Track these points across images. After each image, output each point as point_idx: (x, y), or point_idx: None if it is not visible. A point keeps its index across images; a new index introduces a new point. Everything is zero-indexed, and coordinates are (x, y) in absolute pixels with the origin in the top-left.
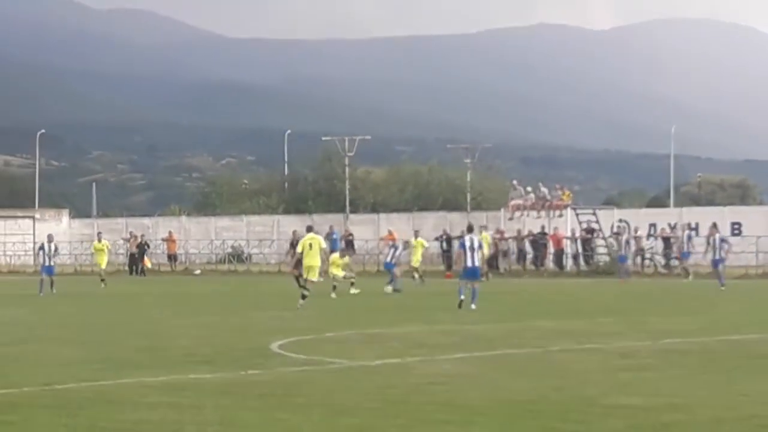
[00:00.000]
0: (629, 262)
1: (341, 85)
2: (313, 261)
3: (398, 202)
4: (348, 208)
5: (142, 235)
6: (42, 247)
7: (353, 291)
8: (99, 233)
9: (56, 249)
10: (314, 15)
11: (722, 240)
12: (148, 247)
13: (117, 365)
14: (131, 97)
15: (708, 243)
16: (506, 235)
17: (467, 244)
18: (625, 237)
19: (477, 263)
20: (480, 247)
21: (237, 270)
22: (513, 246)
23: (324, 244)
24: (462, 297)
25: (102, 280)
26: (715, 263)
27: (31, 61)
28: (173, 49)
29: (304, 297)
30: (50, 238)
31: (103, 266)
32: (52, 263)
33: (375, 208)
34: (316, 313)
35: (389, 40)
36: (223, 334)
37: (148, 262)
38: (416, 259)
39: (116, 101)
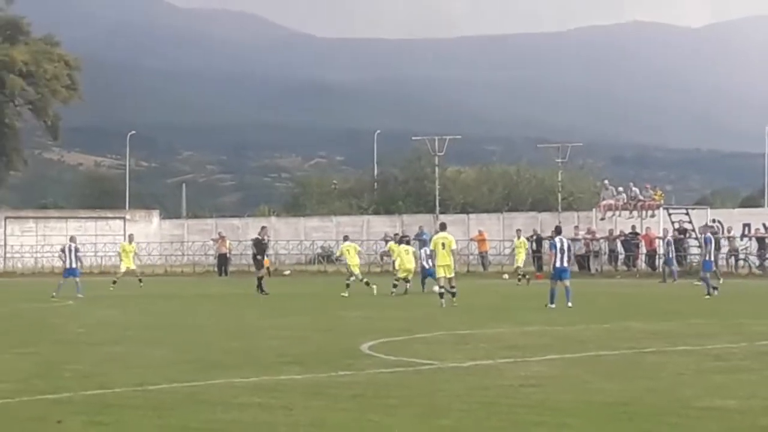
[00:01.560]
0: (715, 263)
1: (430, 85)
2: (446, 260)
3: (488, 202)
4: (438, 209)
5: (264, 231)
6: (64, 249)
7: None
8: (130, 235)
9: (77, 250)
10: (403, 14)
11: None
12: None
13: (207, 366)
14: (220, 98)
15: None
16: (598, 236)
17: (557, 245)
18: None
19: (566, 263)
20: (569, 248)
21: (326, 270)
22: (605, 246)
23: (455, 245)
24: (553, 301)
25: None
26: None
27: (120, 63)
28: (263, 48)
29: (442, 296)
30: (72, 239)
31: (132, 266)
32: (75, 265)
33: (465, 209)
34: (406, 314)
35: (478, 39)
36: (313, 334)
37: (267, 262)
38: (520, 259)
39: (205, 102)
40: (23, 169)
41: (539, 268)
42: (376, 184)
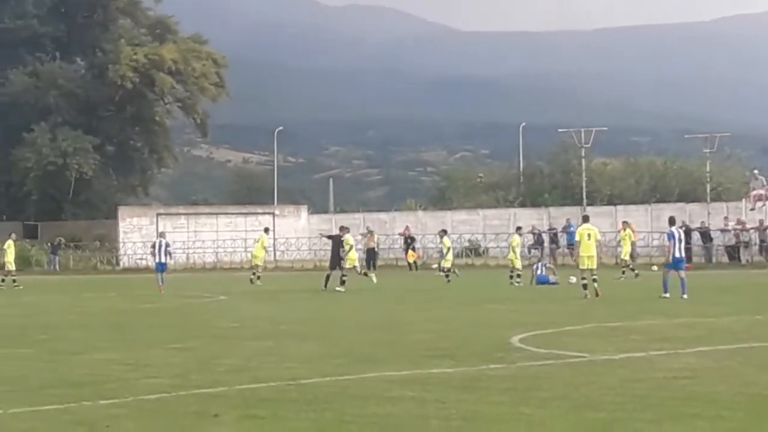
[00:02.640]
0: None
1: (574, 78)
2: (590, 251)
3: (635, 194)
4: (585, 201)
5: (407, 227)
6: (154, 245)
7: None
8: (266, 228)
9: (168, 245)
10: (544, 7)
11: None
12: (414, 240)
13: (358, 360)
14: (365, 93)
15: None
16: (748, 226)
17: (675, 235)
18: None
19: (683, 254)
20: (682, 239)
21: (474, 264)
22: (755, 237)
23: (600, 236)
24: (667, 291)
25: (258, 277)
26: None
27: (267, 60)
28: (407, 43)
29: (585, 287)
30: (162, 235)
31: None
32: (164, 260)
33: (611, 201)
34: (555, 307)
35: (617, 30)
36: (463, 327)
37: (411, 257)
38: (625, 252)
39: (351, 97)
40: (173, 165)
41: (689, 259)
42: (522, 177)
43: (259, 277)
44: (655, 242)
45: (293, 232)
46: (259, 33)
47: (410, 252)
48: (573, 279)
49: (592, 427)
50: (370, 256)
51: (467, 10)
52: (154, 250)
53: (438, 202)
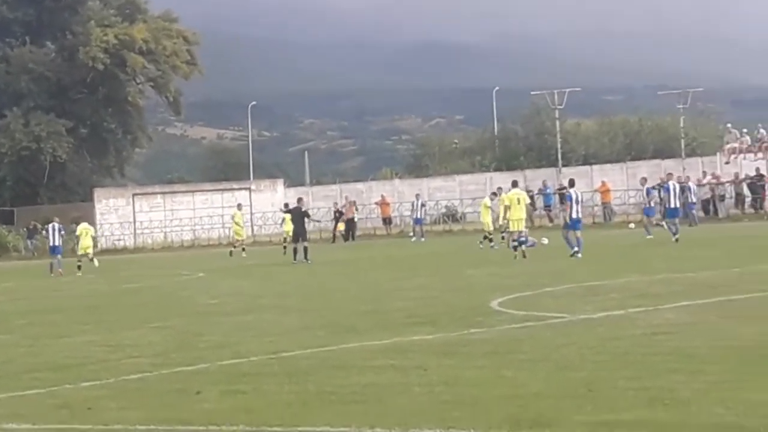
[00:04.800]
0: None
1: (546, 39)
2: (520, 214)
3: (610, 153)
4: (560, 162)
5: (335, 203)
6: (46, 228)
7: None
8: (239, 204)
9: (61, 229)
10: None
11: None
12: (342, 214)
13: (340, 330)
14: (337, 64)
15: None
16: (723, 180)
17: (573, 197)
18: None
19: (580, 215)
20: (579, 201)
21: (452, 230)
22: (731, 190)
23: (528, 200)
24: (573, 247)
25: (240, 249)
26: None
27: (236, 34)
28: (376, 11)
29: (515, 249)
30: (54, 220)
31: (243, 237)
32: (57, 243)
33: (587, 160)
34: (533, 269)
35: None
36: (443, 294)
37: (341, 227)
38: (487, 222)
39: (323, 69)
40: (148, 145)
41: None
42: (497, 141)
43: (243, 249)
44: (632, 200)
45: (270, 206)
46: (227, 8)
47: (339, 223)
48: (545, 240)
49: (574, 387)
50: (350, 226)
51: None
52: (47, 234)
53: (414, 169)
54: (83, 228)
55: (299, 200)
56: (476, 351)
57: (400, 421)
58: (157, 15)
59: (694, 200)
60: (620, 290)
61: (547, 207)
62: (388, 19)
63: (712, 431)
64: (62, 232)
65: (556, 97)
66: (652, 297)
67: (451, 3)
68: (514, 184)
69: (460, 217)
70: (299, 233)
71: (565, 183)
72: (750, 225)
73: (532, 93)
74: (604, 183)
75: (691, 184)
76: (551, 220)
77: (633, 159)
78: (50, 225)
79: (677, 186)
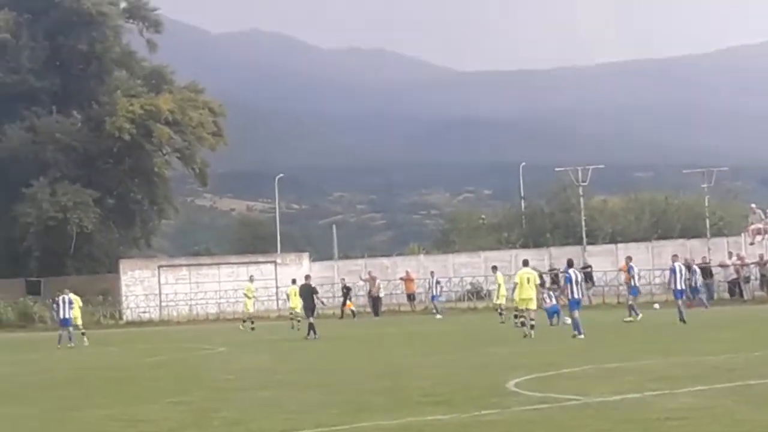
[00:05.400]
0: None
1: (576, 114)
2: (528, 293)
3: (636, 231)
4: (585, 240)
5: (343, 279)
6: (56, 301)
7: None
8: (251, 276)
9: (71, 302)
10: (542, 45)
11: None
12: (350, 290)
13: (356, 408)
14: (367, 138)
15: None
16: (747, 261)
17: (572, 277)
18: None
19: (580, 295)
20: (578, 281)
21: (476, 307)
22: (756, 272)
23: (539, 280)
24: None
25: (249, 323)
26: None
27: (266, 107)
28: (406, 86)
29: (523, 324)
30: (65, 292)
31: (250, 310)
32: (68, 316)
33: (613, 238)
34: (554, 348)
35: (620, 65)
36: (462, 372)
37: (351, 305)
38: (500, 296)
39: (353, 142)
40: (175, 216)
41: (693, 295)
42: (524, 217)
43: (252, 322)
44: (657, 279)
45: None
46: (259, 80)
47: (348, 302)
48: (568, 320)
49: None
50: (375, 302)
51: (467, 51)
52: (57, 306)
53: (442, 245)
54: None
55: (307, 277)
56: None
57: None
58: (183, 86)
59: (699, 282)
60: (638, 372)
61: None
62: (418, 95)
63: None
64: (71, 304)
65: (580, 173)
66: (670, 380)
67: (479, 79)
68: (525, 263)
69: (485, 295)
70: (309, 308)
71: (590, 261)
72: None
73: (556, 169)
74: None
75: (695, 267)
76: None
77: (659, 238)
78: (60, 297)
79: (683, 267)
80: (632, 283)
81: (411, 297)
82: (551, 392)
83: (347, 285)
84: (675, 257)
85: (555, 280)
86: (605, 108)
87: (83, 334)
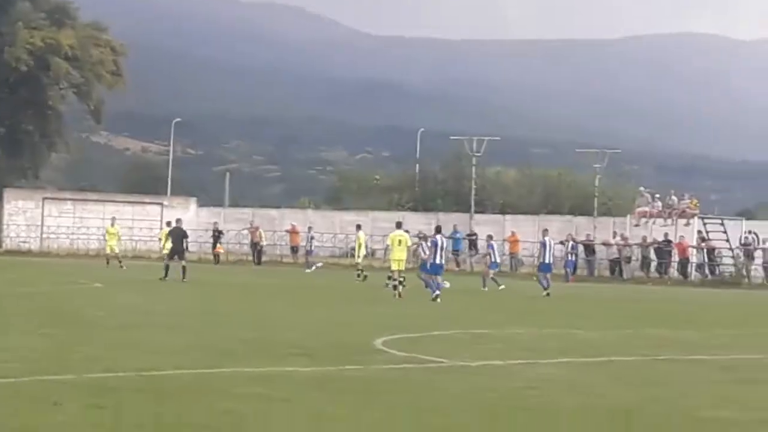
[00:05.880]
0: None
1: (480, 85)
2: (400, 255)
3: (527, 204)
4: (473, 208)
5: (215, 222)
6: None
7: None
8: (113, 218)
9: None
10: (460, 15)
11: None
12: (222, 234)
13: (219, 354)
14: (270, 91)
15: None
16: (631, 242)
17: (438, 242)
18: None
19: (443, 260)
20: (443, 247)
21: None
22: (637, 253)
23: (410, 242)
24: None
25: (119, 262)
26: None
27: (172, 50)
28: (318, 45)
29: (395, 287)
30: None
31: (116, 250)
32: None
33: (503, 209)
34: (427, 311)
35: (533, 43)
36: (332, 328)
37: (220, 249)
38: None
39: (257, 94)
40: (66, 150)
41: (574, 271)
42: (417, 181)
43: (120, 262)
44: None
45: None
46: (169, 24)
47: (218, 245)
48: (447, 284)
49: None
50: (257, 251)
51: (383, 15)
52: None
53: (333, 201)
54: None
55: (178, 221)
56: (347, 388)
57: None
58: (86, 23)
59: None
60: (506, 340)
61: (456, 252)
62: (328, 55)
63: None
64: None
65: (474, 143)
66: (536, 351)
67: (391, 43)
68: (398, 225)
69: (369, 254)
70: (177, 251)
71: (476, 230)
72: (653, 289)
73: (451, 138)
74: (513, 233)
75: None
76: (458, 265)
77: (549, 212)
78: None
79: (552, 242)
80: (492, 258)
81: (294, 249)
82: (417, 353)
83: (218, 229)
84: (545, 231)
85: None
86: (512, 83)
87: None
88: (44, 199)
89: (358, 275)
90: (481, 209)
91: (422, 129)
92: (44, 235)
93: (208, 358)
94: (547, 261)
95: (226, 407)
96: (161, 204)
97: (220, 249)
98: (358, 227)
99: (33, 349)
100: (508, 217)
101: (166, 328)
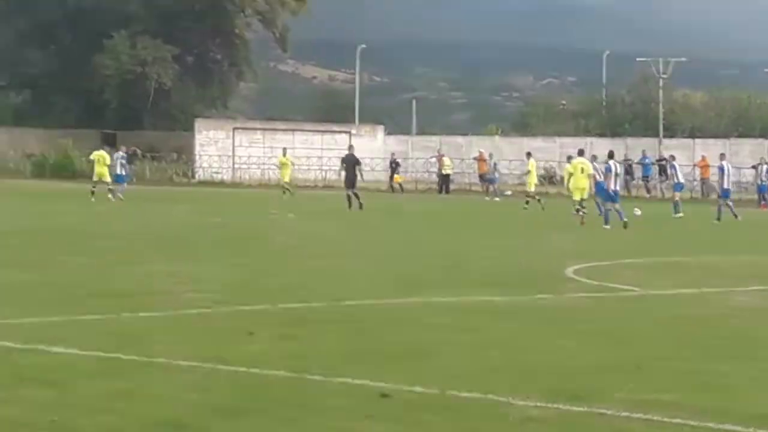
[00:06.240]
0: None
1: (666, 7)
2: (582, 183)
3: (716, 127)
4: (662, 133)
5: (392, 153)
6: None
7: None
8: (284, 148)
9: (121, 158)
10: None
11: None
12: (398, 165)
13: (409, 284)
14: (455, 15)
15: None
16: None
17: (612, 169)
18: None
19: (619, 187)
20: (619, 174)
21: (548, 192)
22: None
23: (591, 170)
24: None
25: (284, 191)
26: None
27: None
28: None
29: (578, 212)
30: (121, 149)
31: (286, 179)
32: (118, 172)
33: (692, 133)
34: (619, 238)
35: None
36: (523, 256)
37: (399, 179)
38: (531, 183)
39: (440, 19)
40: (254, 79)
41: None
42: (604, 106)
43: (284, 192)
44: (733, 178)
45: (369, 153)
46: None
47: (396, 175)
48: (638, 211)
49: (625, 363)
50: (443, 180)
51: None
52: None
53: (520, 128)
54: (98, 155)
55: (350, 148)
56: (537, 317)
57: (442, 381)
58: None
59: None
60: (700, 268)
61: (645, 178)
62: None
63: (753, 421)
64: (124, 161)
65: (661, 65)
66: (731, 278)
67: None
68: (580, 152)
69: (557, 180)
70: (351, 180)
71: (665, 155)
72: None
73: (637, 59)
74: (703, 158)
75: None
76: (648, 191)
77: (739, 136)
78: (115, 153)
79: (619, 166)
80: (676, 180)
81: (483, 177)
82: (608, 282)
83: (396, 159)
84: (722, 156)
85: (628, 171)
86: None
87: (110, 190)
88: (234, 128)
89: (527, 202)
90: (671, 134)
91: (608, 52)
92: (236, 166)
93: (400, 289)
94: (725, 186)
95: (419, 337)
96: (349, 132)
97: (398, 179)
98: (528, 155)
99: (225, 279)
100: (697, 141)
101: (356, 257)
